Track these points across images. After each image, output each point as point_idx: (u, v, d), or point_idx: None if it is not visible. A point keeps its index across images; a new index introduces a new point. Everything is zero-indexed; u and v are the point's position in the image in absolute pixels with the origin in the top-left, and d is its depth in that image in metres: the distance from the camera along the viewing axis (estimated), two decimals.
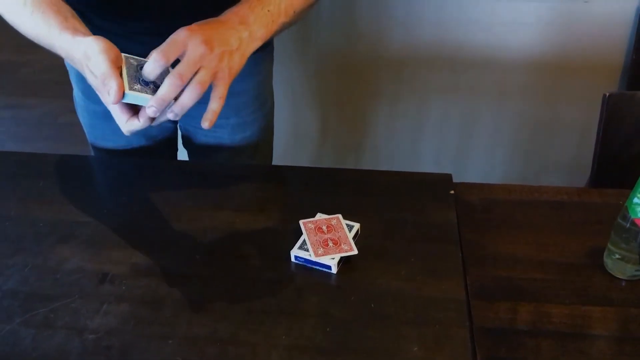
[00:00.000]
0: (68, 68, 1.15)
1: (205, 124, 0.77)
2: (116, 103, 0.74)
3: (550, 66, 1.67)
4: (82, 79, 1.13)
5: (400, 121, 1.85)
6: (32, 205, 0.99)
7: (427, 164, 1.91)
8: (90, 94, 1.12)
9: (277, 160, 1.92)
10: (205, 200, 0.99)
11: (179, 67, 0.73)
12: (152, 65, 0.74)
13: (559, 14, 1.58)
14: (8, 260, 0.87)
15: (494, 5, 1.59)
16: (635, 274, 0.82)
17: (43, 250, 0.89)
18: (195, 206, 0.98)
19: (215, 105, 0.77)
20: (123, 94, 0.74)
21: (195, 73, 0.74)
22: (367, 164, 1.95)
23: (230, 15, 0.81)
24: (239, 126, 1.18)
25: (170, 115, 0.75)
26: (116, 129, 0.80)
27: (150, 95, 0.74)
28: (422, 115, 1.83)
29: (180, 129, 1.24)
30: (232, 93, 1.11)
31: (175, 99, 0.74)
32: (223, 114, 1.13)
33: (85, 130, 1.20)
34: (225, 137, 1.19)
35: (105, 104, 0.78)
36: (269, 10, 0.83)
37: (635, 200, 0.78)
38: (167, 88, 0.72)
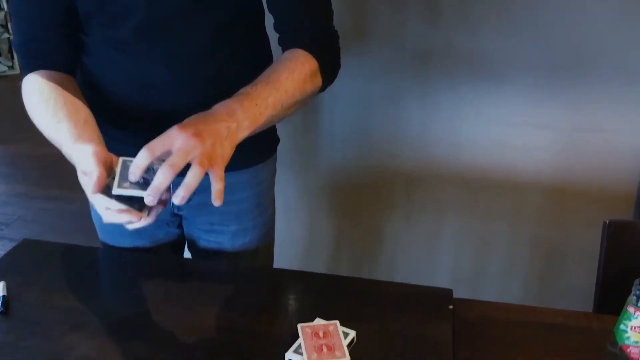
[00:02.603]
0: None
1: (217, 202, 0.82)
2: (95, 193, 0.82)
3: (563, 191, 1.70)
4: None
5: (416, 234, 1.88)
6: (53, 293, 1.06)
7: (442, 279, 1.91)
8: None
9: (293, 264, 1.95)
10: (209, 300, 1.04)
11: (170, 158, 0.80)
12: (138, 159, 0.81)
13: (570, 141, 1.64)
14: (22, 342, 0.93)
15: (505, 130, 1.66)
16: None
17: (54, 336, 0.94)
18: (198, 305, 1.02)
19: (217, 185, 0.82)
20: (107, 188, 0.83)
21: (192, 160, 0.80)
22: (382, 274, 1.96)
23: (220, 108, 0.89)
24: (239, 232, 1.24)
25: (176, 200, 0.80)
26: (124, 231, 0.87)
27: (139, 190, 0.82)
28: (437, 230, 1.86)
29: (185, 235, 1.30)
30: (232, 201, 1.19)
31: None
32: (224, 221, 1.21)
33: (97, 230, 1.29)
34: (226, 243, 1.25)
35: (89, 198, 0.85)
36: (256, 104, 0.91)
37: (622, 326, 0.80)
38: (160, 177, 0.79)
